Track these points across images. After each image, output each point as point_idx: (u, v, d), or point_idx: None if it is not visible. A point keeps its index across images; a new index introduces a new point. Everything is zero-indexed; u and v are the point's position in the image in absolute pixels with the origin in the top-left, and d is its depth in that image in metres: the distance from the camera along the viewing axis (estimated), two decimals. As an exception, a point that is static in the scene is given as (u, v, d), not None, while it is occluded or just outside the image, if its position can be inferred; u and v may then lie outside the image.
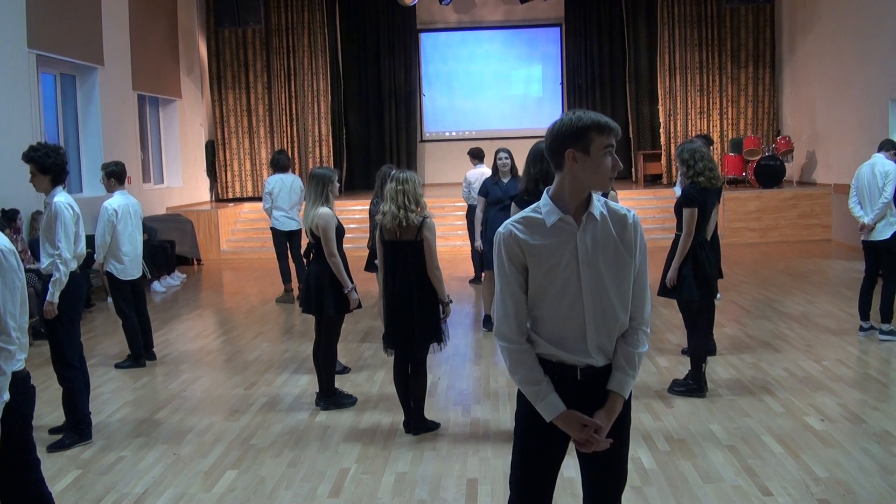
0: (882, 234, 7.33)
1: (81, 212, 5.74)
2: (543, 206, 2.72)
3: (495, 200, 7.97)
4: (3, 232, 3.34)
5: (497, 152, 8.24)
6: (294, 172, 11.78)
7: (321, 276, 5.84)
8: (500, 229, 2.77)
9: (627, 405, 2.83)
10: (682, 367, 6.37)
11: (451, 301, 5.41)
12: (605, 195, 2.88)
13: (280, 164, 10.40)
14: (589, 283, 2.68)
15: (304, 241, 6.24)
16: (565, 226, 2.69)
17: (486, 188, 8.18)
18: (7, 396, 3.15)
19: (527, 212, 2.76)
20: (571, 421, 2.70)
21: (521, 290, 2.73)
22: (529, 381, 2.73)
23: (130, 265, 7.32)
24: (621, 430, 2.82)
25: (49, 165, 5.35)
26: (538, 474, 2.85)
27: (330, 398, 5.98)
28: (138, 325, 7.43)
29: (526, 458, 2.85)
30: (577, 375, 2.74)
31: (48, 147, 5.40)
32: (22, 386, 3.29)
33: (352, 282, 5.89)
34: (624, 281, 2.73)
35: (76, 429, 5.44)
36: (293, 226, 10.21)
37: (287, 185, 10.18)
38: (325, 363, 5.98)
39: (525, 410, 2.79)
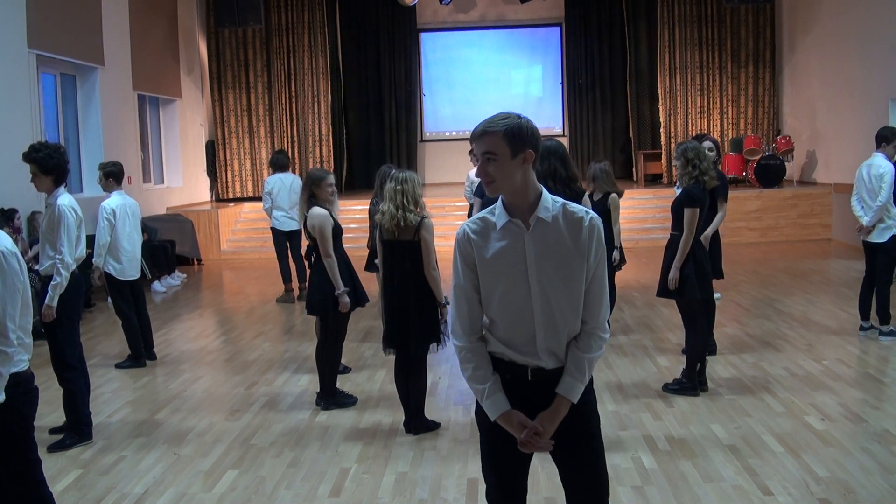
0: (880, 236, 7.32)
1: (82, 212, 5.71)
2: (496, 208, 2.75)
3: (490, 201, 7.99)
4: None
5: None
6: (294, 172, 11.78)
7: (325, 276, 5.83)
8: (459, 229, 2.80)
9: (588, 409, 2.82)
10: (683, 367, 6.37)
11: (447, 303, 5.40)
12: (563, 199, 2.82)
13: (279, 163, 10.42)
14: (537, 286, 2.68)
15: (305, 241, 6.23)
16: (514, 228, 2.70)
17: (482, 189, 8.21)
18: (2, 397, 3.14)
19: (484, 212, 2.79)
20: (512, 421, 2.72)
21: (474, 290, 2.75)
22: (475, 379, 2.77)
23: (129, 265, 7.30)
24: (587, 437, 2.81)
25: (52, 166, 5.32)
26: (506, 468, 2.85)
27: (331, 398, 5.98)
28: (138, 325, 7.42)
29: (491, 452, 2.86)
30: (528, 376, 2.75)
31: (50, 147, 5.36)
32: (25, 386, 3.29)
33: (346, 285, 5.86)
34: (574, 285, 2.70)
35: (76, 429, 5.44)
36: (293, 226, 10.21)
37: (287, 184, 10.19)
38: (329, 363, 5.98)
39: (483, 410, 2.80)
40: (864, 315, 7.50)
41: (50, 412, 5.92)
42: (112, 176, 7.30)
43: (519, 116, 2.69)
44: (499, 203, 2.75)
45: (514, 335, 2.73)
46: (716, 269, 6.93)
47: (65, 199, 5.46)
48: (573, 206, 2.76)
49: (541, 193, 2.73)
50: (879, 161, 7.35)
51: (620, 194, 7.59)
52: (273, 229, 10.34)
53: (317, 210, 5.82)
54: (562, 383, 2.73)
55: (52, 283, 5.36)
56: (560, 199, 2.77)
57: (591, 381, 2.80)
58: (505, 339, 2.75)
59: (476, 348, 2.77)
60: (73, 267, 5.49)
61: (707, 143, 6.98)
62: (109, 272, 7.25)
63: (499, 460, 2.85)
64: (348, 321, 6.10)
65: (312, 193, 5.88)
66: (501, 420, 2.72)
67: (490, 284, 2.72)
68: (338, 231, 5.92)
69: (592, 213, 2.75)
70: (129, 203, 7.36)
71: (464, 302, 2.76)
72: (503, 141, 2.63)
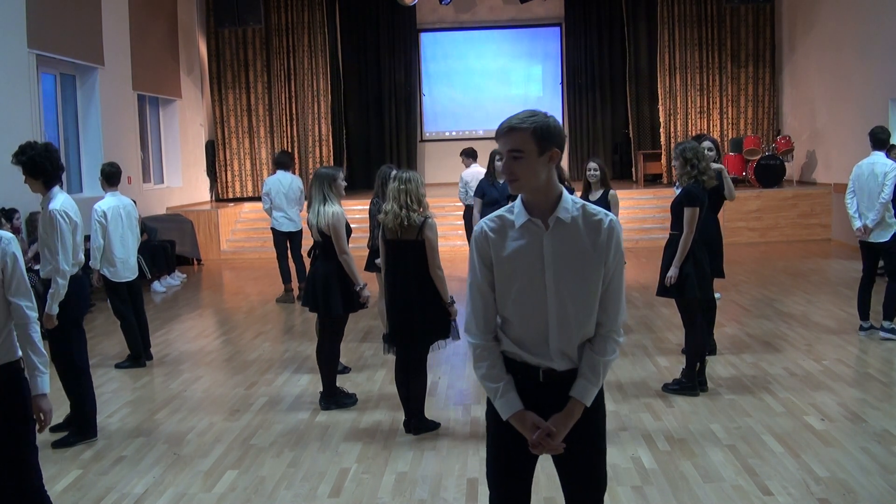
0: (881, 236, 7.31)
1: (81, 213, 5.61)
2: (516, 207, 2.73)
3: (492, 201, 8.01)
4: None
5: (492, 154, 8.29)
6: (294, 172, 11.79)
7: (329, 274, 5.83)
8: (476, 226, 2.79)
9: (599, 412, 2.82)
10: (683, 367, 6.36)
11: (454, 301, 5.40)
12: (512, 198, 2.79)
13: (278, 161, 10.47)
14: (553, 287, 2.66)
15: (305, 242, 6.23)
16: (533, 227, 2.68)
17: (483, 189, 8.23)
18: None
19: (502, 211, 2.76)
20: (525, 421, 2.70)
21: (490, 288, 2.73)
22: (489, 378, 2.75)
23: (122, 267, 7.25)
24: (594, 437, 2.81)
25: (39, 169, 5.16)
26: (512, 471, 2.84)
27: (331, 398, 5.98)
28: (137, 326, 7.41)
29: (498, 455, 2.84)
30: (539, 377, 2.73)
31: (36, 149, 5.15)
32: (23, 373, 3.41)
33: (362, 280, 5.88)
34: (591, 287, 2.68)
35: (81, 428, 5.44)
36: (292, 227, 10.21)
37: (285, 184, 10.19)
38: (329, 363, 5.98)
39: (494, 409, 2.79)
40: (864, 315, 7.50)
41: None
42: (103, 176, 7.27)
43: (546, 114, 2.68)
44: (518, 201, 2.72)
45: (527, 335, 2.72)
46: (717, 267, 6.92)
47: (57, 203, 5.27)
48: (593, 207, 2.72)
49: (561, 193, 2.70)
50: (883, 159, 7.34)
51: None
52: (273, 230, 10.35)
53: (331, 208, 5.81)
54: (576, 386, 2.71)
55: (49, 291, 5.25)
56: (580, 201, 2.74)
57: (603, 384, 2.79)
58: (518, 338, 2.73)
59: (490, 346, 2.76)
60: (71, 272, 5.36)
61: (706, 143, 6.98)
62: (105, 274, 7.22)
63: (504, 463, 2.83)
64: (346, 321, 6.10)
65: (328, 191, 5.87)
66: (514, 420, 2.71)
67: (506, 283, 2.70)
68: (348, 230, 5.92)
69: (612, 216, 2.71)
70: (123, 204, 7.30)
71: (479, 299, 2.75)
72: (531, 138, 2.62)
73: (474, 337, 2.77)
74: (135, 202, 7.86)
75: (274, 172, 10.49)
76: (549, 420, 2.70)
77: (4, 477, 3.31)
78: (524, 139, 2.62)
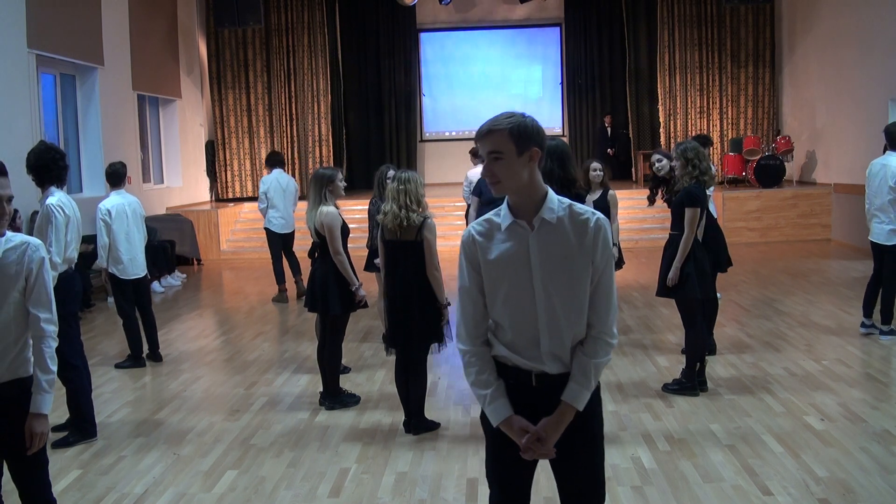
0: (889, 239, 7.23)
1: (81, 212, 5.67)
2: (502, 209, 2.71)
3: (489, 200, 8.01)
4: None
5: (470, 152, 8.29)
6: (291, 173, 11.83)
7: (327, 274, 5.84)
8: (465, 231, 2.78)
9: (595, 416, 2.77)
10: (682, 367, 6.36)
11: (449, 304, 5.39)
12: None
13: (276, 161, 10.59)
14: (541, 289, 2.63)
15: (303, 242, 6.23)
16: (519, 229, 2.66)
17: (480, 188, 8.24)
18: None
19: (490, 214, 2.74)
20: (514, 427, 2.67)
21: (479, 293, 2.71)
22: (478, 384, 2.73)
23: (130, 264, 7.29)
24: (590, 443, 2.77)
25: (32, 167, 5.33)
26: (512, 471, 2.81)
27: (335, 398, 5.99)
28: (140, 325, 7.42)
29: (498, 456, 2.82)
30: (532, 381, 2.70)
31: (36, 149, 5.33)
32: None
33: (358, 280, 5.89)
34: (579, 288, 2.65)
35: (80, 427, 5.44)
36: (287, 228, 10.23)
37: (282, 185, 10.24)
38: (331, 362, 5.98)
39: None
40: (867, 313, 7.47)
41: (50, 412, 5.91)
42: (106, 175, 7.39)
43: (524, 115, 2.66)
44: (504, 204, 2.70)
45: (518, 339, 2.68)
46: (722, 261, 6.86)
47: (54, 198, 5.39)
48: (580, 206, 2.70)
49: (546, 193, 2.68)
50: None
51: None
52: (267, 230, 10.35)
53: (326, 208, 5.83)
54: (567, 390, 2.66)
55: None
56: (567, 200, 2.71)
57: (597, 387, 2.74)
58: (509, 343, 2.70)
59: (480, 352, 2.72)
60: (63, 268, 5.40)
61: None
62: (113, 272, 7.26)
63: (503, 466, 2.80)
64: (347, 320, 6.10)
65: (325, 192, 5.88)
66: (503, 426, 2.68)
67: (494, 286, 2.67)
68: (345, 231, 5.92)
69: (599, 215, 2.68)
70: (128, 201, 7.35)
71: (469, 304, 2.72)
72: (509, 139, 2.60)
73: (463, 343, 2.74)
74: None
75: (269, 172, 10.52)
76: (538, 424, 2.66)
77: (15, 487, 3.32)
78: (502, 140, 2.61)
